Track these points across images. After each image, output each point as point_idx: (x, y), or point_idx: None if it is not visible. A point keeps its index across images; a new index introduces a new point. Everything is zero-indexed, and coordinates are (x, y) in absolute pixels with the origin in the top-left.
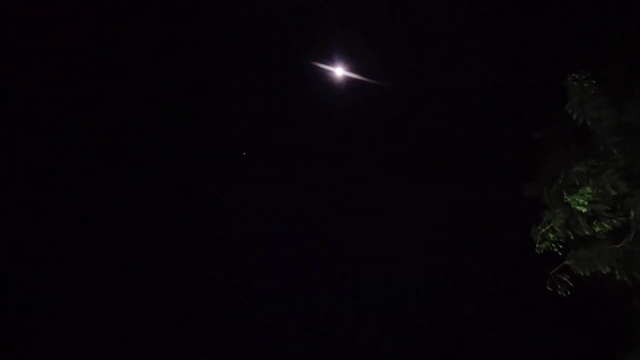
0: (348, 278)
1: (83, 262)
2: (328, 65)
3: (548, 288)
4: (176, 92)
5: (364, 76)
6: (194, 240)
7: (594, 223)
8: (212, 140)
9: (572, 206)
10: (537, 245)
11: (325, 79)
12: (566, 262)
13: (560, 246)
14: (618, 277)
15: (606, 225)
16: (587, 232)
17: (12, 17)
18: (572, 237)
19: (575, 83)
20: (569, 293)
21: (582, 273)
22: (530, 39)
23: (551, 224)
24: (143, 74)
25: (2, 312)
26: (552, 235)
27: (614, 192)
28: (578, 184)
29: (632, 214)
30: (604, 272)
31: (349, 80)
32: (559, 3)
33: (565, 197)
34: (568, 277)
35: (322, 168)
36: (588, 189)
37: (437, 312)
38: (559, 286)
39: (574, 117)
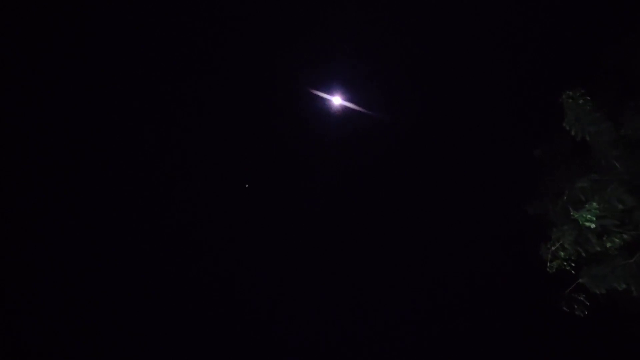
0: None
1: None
2: (326, 93)
3: (564, 309)
4: (175, 115)
5: (362, 106)
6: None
7: (604, 238)
8: (209, 168)
9: (580, 222)
10: (548, 264)
11: (323, 107)
12: (580, 280)
13: (573, 264)
14: (635, 293)
15: (617, 240)
16: (598, 248)
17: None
18: (583, 254)
19: (570, 100)
20: (586, 313)
21: (597, 291)
22: (522, 59)
23: (560, 242)
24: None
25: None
26: (562, 253)
27: (620, 206)
28: (583, 199)
29: None
30: (619, 288)
31: (346, 109)
32: (548, 20)
33: (572, 213)
34: (584, 295)
35: (320, 198)
36: (594, 204)
37: (446, 335)
38: (576, 306)
39: (572, 133)
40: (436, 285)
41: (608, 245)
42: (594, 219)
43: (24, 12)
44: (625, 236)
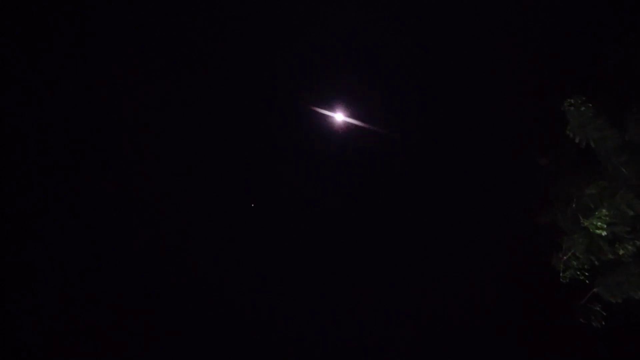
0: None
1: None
2: (327, 110)
3: (581, 320)
4: (176, 123)
5: (365, 121)
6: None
7: (616, 246)
8: (210, 186)
9: (591, 230)
10: (561, 274)
11: (324, 124)
12: (595, 289)
13: (586, 273)
14: None
15: (629, 247)
16: (611, 256)
17: None
18: (596, 263)
19: (572, 107)
20: (603, 323)
21: (613, 300)
22: (523, 60)
23: (572, 251)
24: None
25: None
26: (575, 263)
27: (631, 212)
28: (592, 206)
29: None
30: (635, 297)
31: (348, 126)
32: (548, 21)
33: (582, 221)
34: (600, 305)
35: (321, 216)
36: (604, 211)
37: (459, 346)
38: (592, 317)
39: (577, 140)
40: (447, 297)
41: (621, 252)
42: (605, 226)
43: (24, 12)
44: (637, 242)
